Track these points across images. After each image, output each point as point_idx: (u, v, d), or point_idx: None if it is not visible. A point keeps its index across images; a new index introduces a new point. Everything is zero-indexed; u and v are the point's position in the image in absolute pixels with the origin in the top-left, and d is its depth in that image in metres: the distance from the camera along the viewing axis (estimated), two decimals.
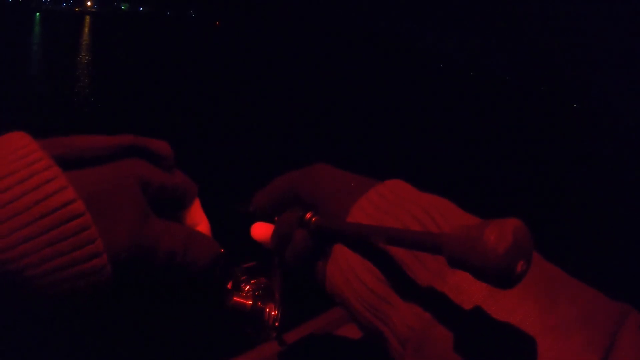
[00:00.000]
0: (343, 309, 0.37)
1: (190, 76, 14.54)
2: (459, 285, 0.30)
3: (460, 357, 0.28)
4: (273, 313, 0.43)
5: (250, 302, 0.42)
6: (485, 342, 0.28)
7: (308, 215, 0.38)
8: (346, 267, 0.35)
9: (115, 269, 0.29)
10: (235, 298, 0.43)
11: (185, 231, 0.35)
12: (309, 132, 9.18)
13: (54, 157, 0.29)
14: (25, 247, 0.26)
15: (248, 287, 0.43)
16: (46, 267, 0.26)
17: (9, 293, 0.26)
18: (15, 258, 0.25)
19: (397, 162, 7.58)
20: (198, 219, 0.39)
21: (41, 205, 0.26)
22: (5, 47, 15.37)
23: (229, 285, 0.43)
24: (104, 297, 0.29)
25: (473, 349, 0.29)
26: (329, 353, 0.62)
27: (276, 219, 0.41)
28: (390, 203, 0.35)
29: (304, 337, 0.62)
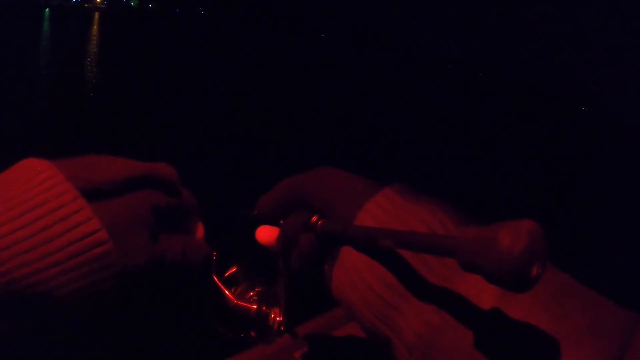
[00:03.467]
0: (348, 314, 0.37)
1: (196, 75, 14.56)
2: (468, 292, 0.30)
3: None
4: (278, 318, 0.42)
5: (255, 307, 0.42)
6: (494, 350, 0.28)
7: (314, 218, 0.38)
8: (353, 272, 0.35)
9: (128, 283, 0.33)
10: (239, 302, 0.42)
11: (182, 240, 0.39)
12: (315, 134, 9.16)
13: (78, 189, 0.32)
14: (56, 270, 0.29)
15: (252, 291, 0.43)
16: (73, 286, 0.30)
17: (41, 308, 0.30)
18: (46, 280, 0.29)
19: (404, 165, 7.55)
20: (195, 226, 0.43)
21: (71, 234, 0.30)
22: (15, 43, 15.46)
23: (234, 290, 0.43)
24: (115, 308, 0.34)
25: (481, 357, 0.28)
26: (331, 352, 0.62)
27: (282, 222, 0.41)
28: (398, 206, 0.35)
29: (304, 335, 0.62)
